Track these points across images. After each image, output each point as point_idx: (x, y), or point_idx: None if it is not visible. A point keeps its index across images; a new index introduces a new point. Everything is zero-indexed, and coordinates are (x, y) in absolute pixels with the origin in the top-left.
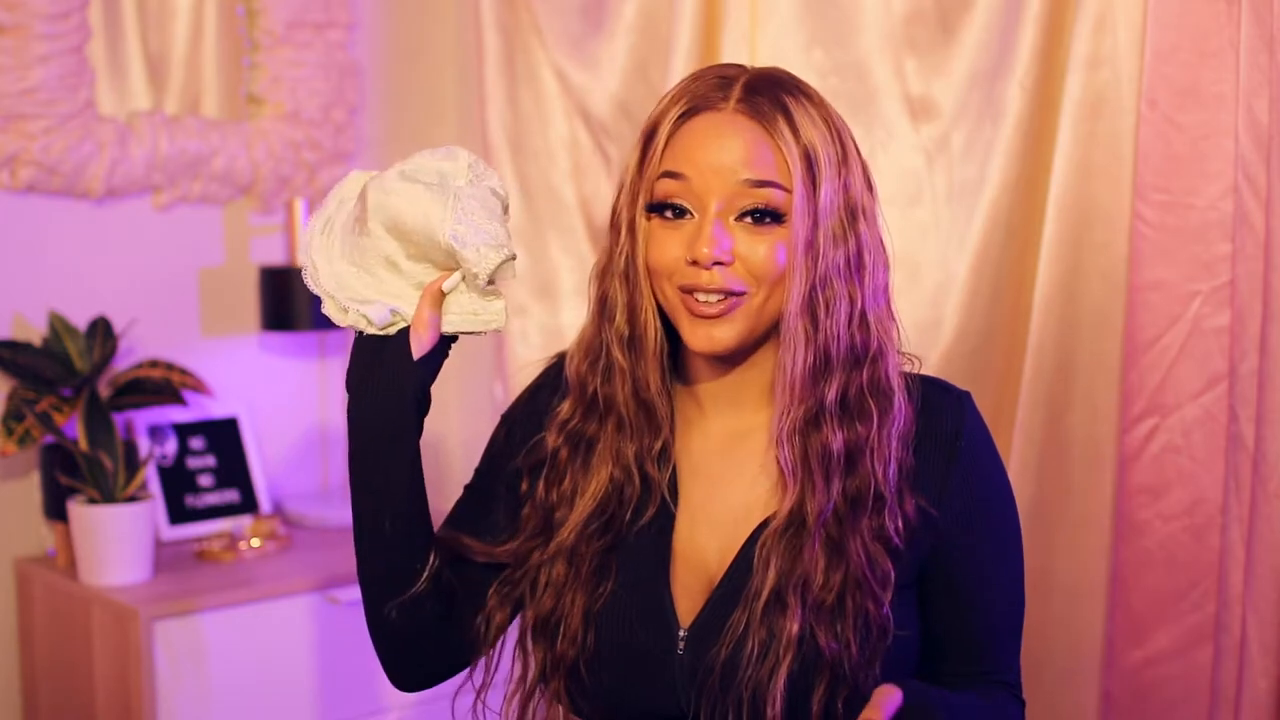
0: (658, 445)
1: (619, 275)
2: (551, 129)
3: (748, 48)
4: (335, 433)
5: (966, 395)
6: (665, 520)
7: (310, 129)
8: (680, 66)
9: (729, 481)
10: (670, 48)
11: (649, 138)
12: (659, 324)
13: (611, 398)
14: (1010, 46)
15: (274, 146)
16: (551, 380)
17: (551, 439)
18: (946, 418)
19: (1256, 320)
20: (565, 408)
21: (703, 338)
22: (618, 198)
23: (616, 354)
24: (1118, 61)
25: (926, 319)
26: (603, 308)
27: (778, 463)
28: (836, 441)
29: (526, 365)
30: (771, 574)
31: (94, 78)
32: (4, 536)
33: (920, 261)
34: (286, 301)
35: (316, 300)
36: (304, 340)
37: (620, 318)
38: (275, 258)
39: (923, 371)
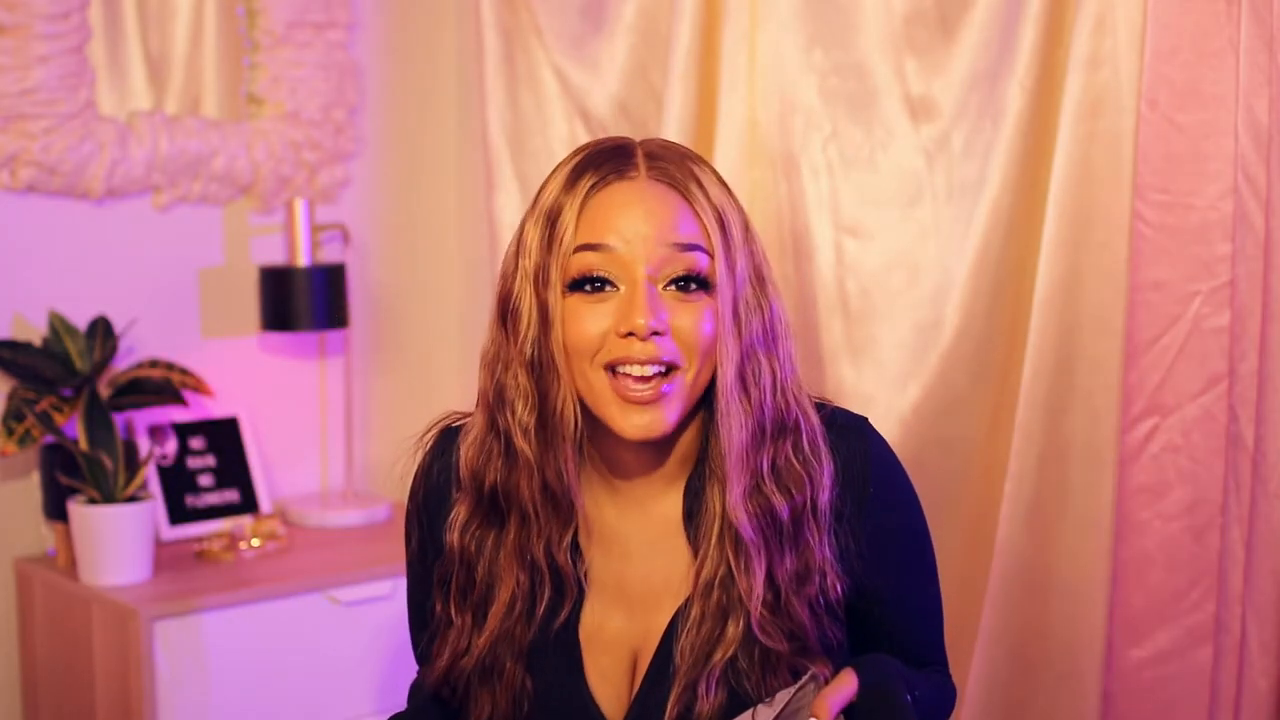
0: (568, 537)
1: (523, 365)
2: (551, 129)
3: (748, 48)
4: (335, 432)
5: (864, 423)
6: (575, 606)
7: (310, 129)
8: (680, 66)
9: (642, 559)
10: (670, 48)
11: (554, 216)
12: (577, 411)
13: (514, 493)
14: (1010, 46)
15: (274, 146)
16: (440, 455)
17: (453, 543)
18: (855, 461)
19: (1256, 320)
20: (462, 512)
21: (636, 425)
22: (511, 284)
23: (521, 445)
24: (1118, 61)
25: (926, 319)
26: (500, 399)
27: (690, 539)
28: (783, 511)
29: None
30: (700, 655)
31: (94, 78)
32: (4, 536)
33: (920, 261)
34: (286, 301)
35: (316, 299)
36: (304, 340)
37: (524, 409)
38: (275, 258)
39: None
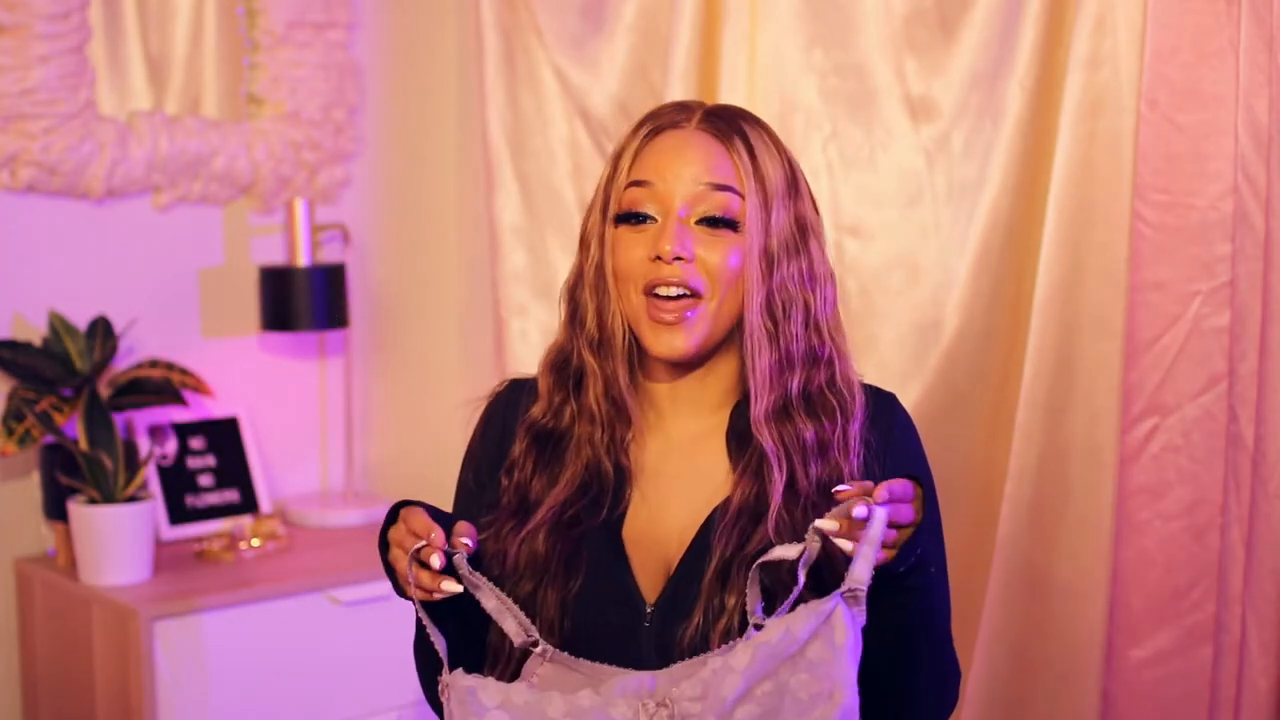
0: (629, 435)
1: (589, 285)
2: (551, 129)
3: (748, 48)
4: (335, 432)
5: (893, 395)
6: (619, 518)
7: (310, 129)
8: (680, 66)
9: (685, 479)
10: (670, 48)
11: (617, 157)
12: (627, 330)
13: (582, 399)
14: (1010, 46)
15: (274, 146)
16: (503, 404)
17: (522, 438)
18: (882, 413)
19: (1256, 320)
20: (535, 410)
21: (664, 343)
22: (588, 215)
23: (588, 357)
24: (1118, 61)
25: (926, 319)
26: (573, 318)
27: (732, 456)
28: (808, 432)
29: (524, 367)
30: (735, 544)
31: (94, 78)
32: (4, 536)
33: (920, 261)
34: (286, 301)
35: (316, 299)
36: (304, 340)
37: (590, 323)
38: (275, 258)
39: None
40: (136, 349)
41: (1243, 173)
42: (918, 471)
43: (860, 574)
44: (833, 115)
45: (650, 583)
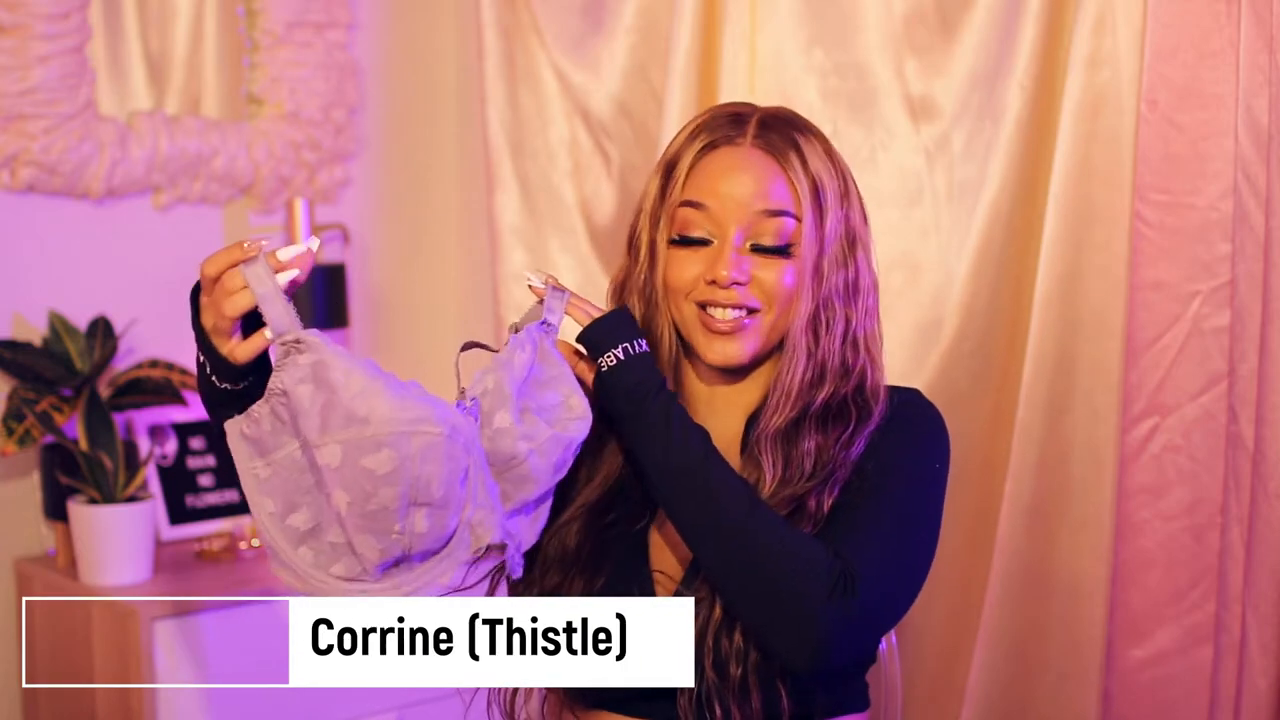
0: None
1: (637, 292)
2: (551, 129)
3: (748, 48)
4: None
5: (916, 390)
6: (648, 522)
7: (310, 129)
8: (680, 66)
9: None
10: (670, 48)
11: (670, 168)
12: (674, 337)
13: None
14: (1010, 46)
15: (274, 146)
16: None
17: None
18: (898, 409)
19: (1256, 320)
20: None
21: (718, 352)
22: (636, 221)
23: None
24: (1118, 61)
25: (926, 319)
26: None
27: (755, 455)
28: (811, 443)
29: None
30: None
31: (94, 78)
32: (4, 536)
33: (920, 261)
34: None
35: (316, 299)
36: None
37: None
38: None
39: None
40: (136, 349)
41: (1243, 173)
42: (904, 444)
43: (551, 318)
44: (833, 115)
45: (669, 583)
